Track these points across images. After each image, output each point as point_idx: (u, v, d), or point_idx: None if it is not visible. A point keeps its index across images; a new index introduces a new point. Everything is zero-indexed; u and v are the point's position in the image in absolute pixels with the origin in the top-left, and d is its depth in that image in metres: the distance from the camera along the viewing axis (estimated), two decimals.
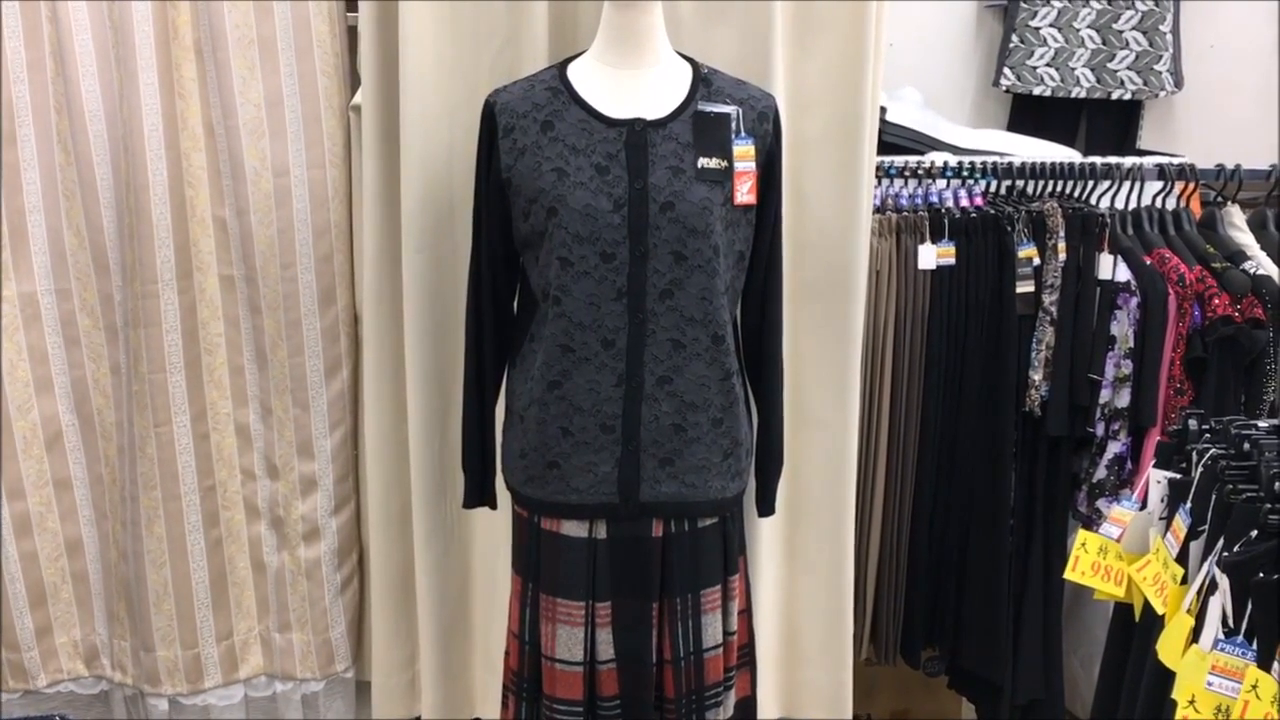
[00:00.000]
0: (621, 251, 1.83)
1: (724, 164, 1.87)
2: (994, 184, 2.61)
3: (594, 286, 1.84)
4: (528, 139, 1.87)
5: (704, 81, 1.93)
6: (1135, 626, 1.72)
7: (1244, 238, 2.58)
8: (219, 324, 2.41)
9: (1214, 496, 1.54)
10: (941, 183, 2.57)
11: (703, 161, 1.86)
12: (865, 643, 2.65)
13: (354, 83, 2.37)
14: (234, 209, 2.37)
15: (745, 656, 2.09)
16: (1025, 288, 2.48)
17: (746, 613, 2.08)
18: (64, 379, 2.43)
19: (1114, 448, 2.49)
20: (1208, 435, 1.69)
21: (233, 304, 2.42)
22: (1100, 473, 2.51)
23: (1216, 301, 2.39)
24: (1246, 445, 1.56)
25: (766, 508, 2.12)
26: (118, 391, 2.44)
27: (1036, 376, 2.48)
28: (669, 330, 1.86)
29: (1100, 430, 2.49)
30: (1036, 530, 2.56)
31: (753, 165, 1.90)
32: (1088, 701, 2.65)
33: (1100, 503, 2.50)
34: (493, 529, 2.36)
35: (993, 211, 2.51)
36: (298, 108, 2.35)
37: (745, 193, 1.90)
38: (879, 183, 2.46)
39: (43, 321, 2.40)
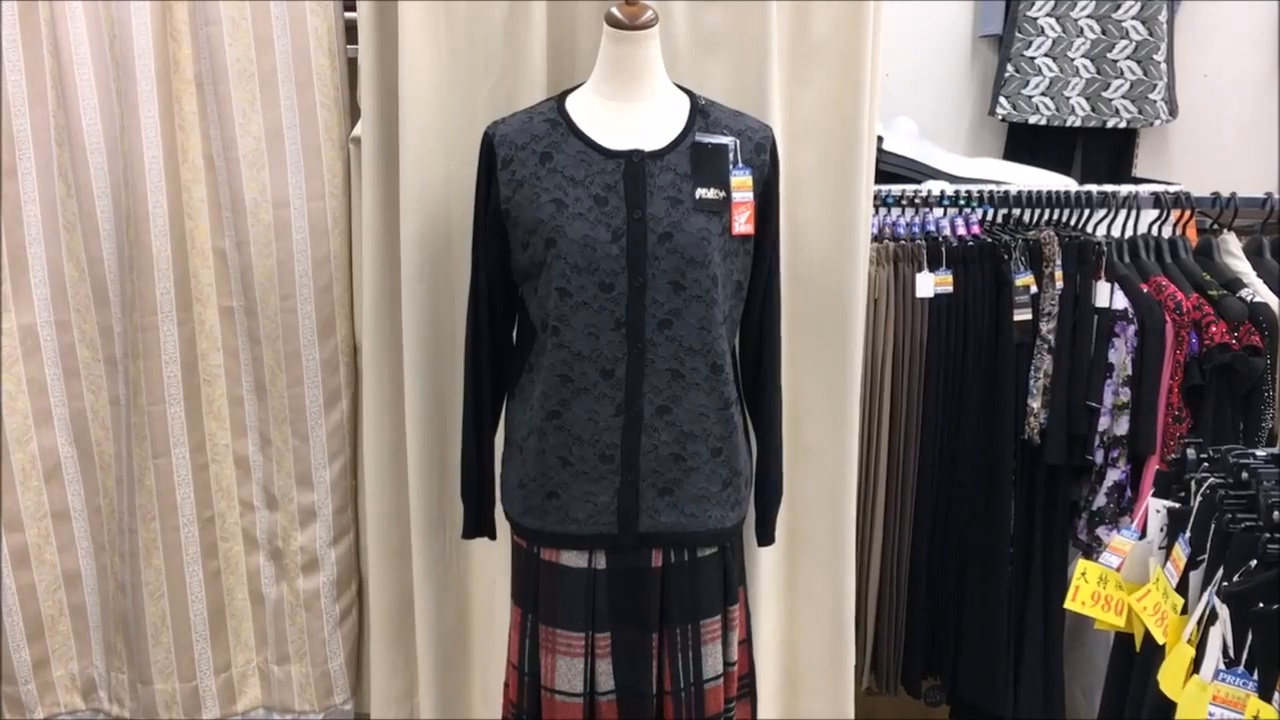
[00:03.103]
0: (620, 282, 1.84)
1: (722, 194, 1.88)
2: (990, 212, 2.62)
3: (592, 316, 1.84)
4: (526, 170, 1.87)
5: (701, 113, 1.94)
6: (1136, 656, 1.71)
7: (1240, 265, 2.59)
8: (218, 355, 2.42)
9: (1213, 526, 1.54)
10: (938, 211, 2.58)
11: (701, 192, 1.87)
12: (866, 672, 2.64)
13: (354, 115, 2.39)
14: (234, 241, 2.38)
15: (746, 687, 2.08)
16: (1023, 316, 2.48)
17: (747, 643, 2.07)
18: (63, 411, 2.43)
19: (1113, 475, 2.49)
20: (1206, 464, 1.69)
21: (232, 335, 2.43)
22: (1100, 500, 2.50)
23: (1213, 329, 2.39)
24: (1245, 474, 1.56)
25: (766, 537, 2.11)
26: (117, 423, 2.44)
27: (1035, 404, 2.48)
28: (668, 360, 1.87)
29: (1099, 458, 2.49)
30: (1036, 558, 2.55)
31: (750, 195, 1.91)
32: None
33: (1100, 530, 2.50)
34: (492, 560, 2.36)
35: (989, 240, 2.52)
36: (298, 140, 2.36)
37: (743, 223, 1.90)
38: (876, 211, 2.48)
39: (42, 353, 2.40)
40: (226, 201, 2.36)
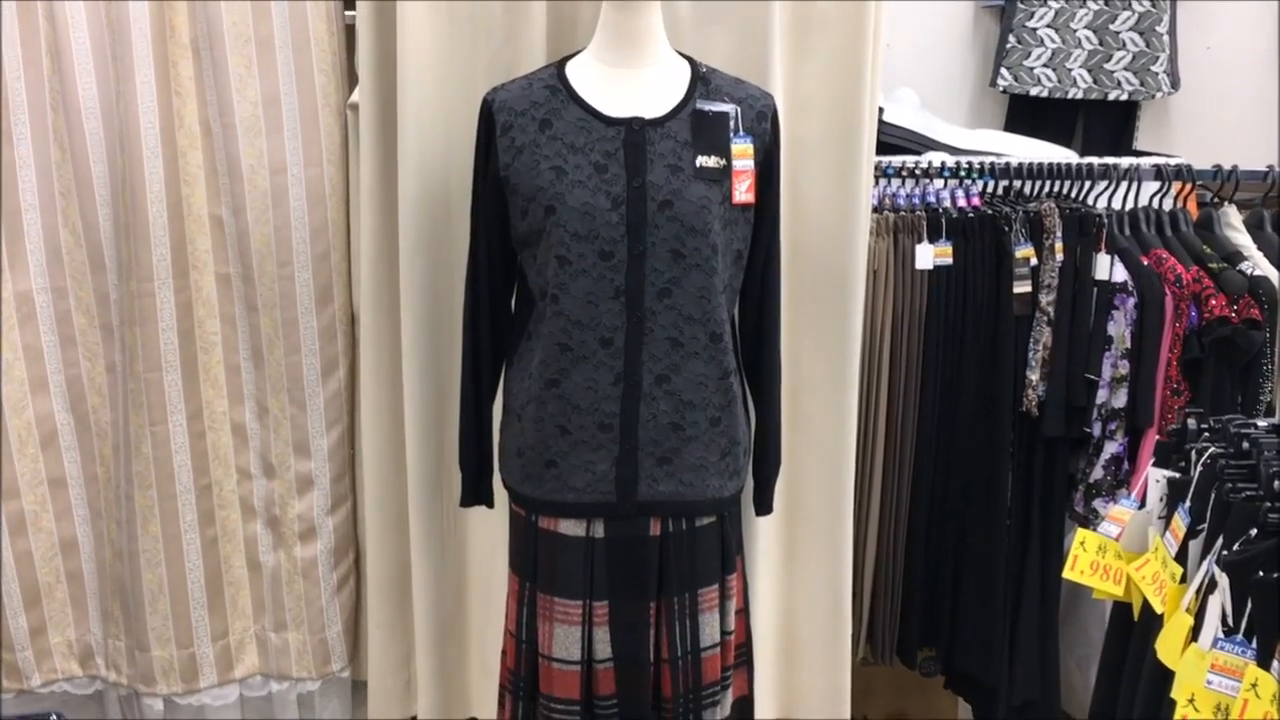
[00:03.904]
0: (619, 250, 1.83)
1: (722, 162, 1.87)
2: (991, 184, 2.61)
3: (592, 285, 1.84)
4: (526, 137, 1.86)
5: (702, 80, 1.93)
6: (1134, 626, 1.72)
7: (1241, 238, 2.58)
8: (215, 323, 2.41)
9: (1213, 495, 1.54)
10: (939, 182, 2.57)
11: (701, 160, 1.86)
12: (862, 643, 2.65)
13: (351, 81, 2.37)
14: (230, 207, 2.37)
15: (743, 656, 2.09)
16: (1022, 288, 2.48)
17: (744, 612, 2.08)
18: (59, 377, 2.42)
19: (1111, 448, 2.49)
20: (1207, 434, 1.69)
21: (229, 302, 2.42)
22: (1097, 473, 2.51)
23: (1213, 302, 2.39)
24: (1246, 444, 1.56)
25: (764, 507, 2.12)
26: (113, 390, 2.43)
27: (1033, 377, 2.48)
28: (667, 329, 1.86)
29: (1097, 431, 2.49)
30: (1033, 531, 2.56)
31: (751, 164, 1.90)
32: (1084, 702, 2.65)
33: (1097, 503, 2.51)
34: (490, 528, 2.36)
35: (990, 212, 2.51)
36: (295, 106, 2.34)
37: (743, 191, 1.89)
38: (876, 182, 2.46)
39: (38, 320, 2.39)
40: (223, 168, 2.35)
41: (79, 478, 2.47)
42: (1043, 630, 2.59)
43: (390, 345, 2.33)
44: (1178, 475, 1.67)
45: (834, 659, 2.46)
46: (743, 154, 1.89)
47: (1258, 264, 2.49)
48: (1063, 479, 2.55)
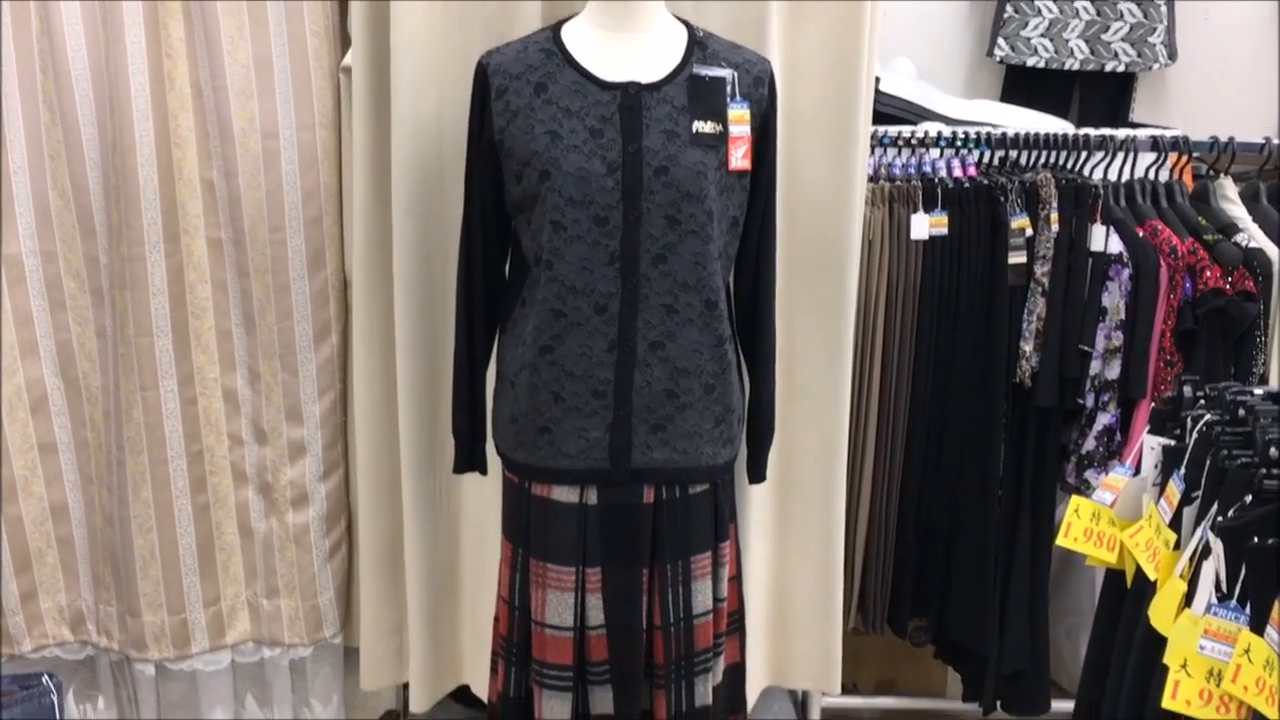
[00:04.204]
0: (615, 216, 1.82)
1: (719, 128, 1.86)
2: (987, 154, 2.60)
3: (586, 251, 1.83)
4: (521, 101, 1.85)
5: (699, 45, 1.91)
6: (1126, 593, 1.72)
7: (1236, 210, 2.58)
8: (206, 287, 2.39)
9: (1208, 462, 1.53)
10: (935, 152, 2.56)
11: (698, 125, 1.85)
12: (853, 612, 2.66)
13: (344, 43, 2.35)
14: (222, 171, 2.35)
15: (735, 623, 2.09)
16: (1017, 258, 2.47)
17: (736, 579, 2.08)
18: (49, 342, 2.41)
19: (1103, 419, 2.49)
20: (1202, 401, 1.69)
21: (220, 267, 2.40)
22: (1089, 444, 2.51)
23: (1208, 274, 2.39)
24: (1241, 411, 1.56)
25: (758, 475, 2.12)
26: (104, 355, 2.42)
27: (1027, 348, 2.48)
28: (662, 295, 1.85)
29: (1090, 402, 2.49)
30: (1025, 501, 2.56)
31: (747, 130, 1.89)
32: (1072, 672, 2.67)
33: (1089, 474, 2.51)
34: (482, 495, 2.36)
35: (985, 182, 2.51)
36: (287, 68, 2.32)
37: (740, 157, 1.88)
38: (872, 152, 2.45)
39: (27, 284, 2.37)
40: (214, 131, 2.33)
41: (69, 443, 2.46)
42: (1033, 600, 2.60)
43: (383, 311, 2.32)
44: (1173, 442, 1.67)
45: (825, 627, 2.46)
46: (739, 119, 1.88)
47: (1253, 236, 2.49)
48: (1055, 450, 2.56)
